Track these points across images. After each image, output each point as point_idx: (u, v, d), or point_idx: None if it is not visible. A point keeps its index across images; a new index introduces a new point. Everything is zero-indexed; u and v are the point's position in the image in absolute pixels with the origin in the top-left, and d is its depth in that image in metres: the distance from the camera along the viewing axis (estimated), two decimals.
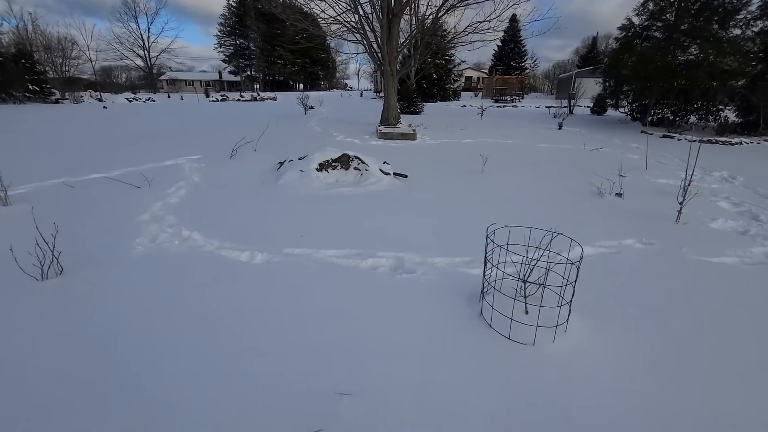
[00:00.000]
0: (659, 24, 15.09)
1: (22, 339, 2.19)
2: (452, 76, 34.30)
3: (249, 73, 51.83)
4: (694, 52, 14.01)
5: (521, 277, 2.36)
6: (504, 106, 28.21)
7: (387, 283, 2.90)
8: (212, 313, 2.47)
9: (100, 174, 5.96)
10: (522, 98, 35.20)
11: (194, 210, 4.46)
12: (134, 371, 1.96)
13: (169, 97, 37.67)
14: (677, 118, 15.12)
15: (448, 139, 10.84)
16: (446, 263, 3.21)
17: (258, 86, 53.59)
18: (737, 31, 13.62)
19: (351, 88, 68.60)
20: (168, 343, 2.17)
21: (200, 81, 55.01)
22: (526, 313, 2.39)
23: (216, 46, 50.12)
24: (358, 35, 12.09)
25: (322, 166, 6.17)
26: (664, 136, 12.84)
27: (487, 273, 2.48)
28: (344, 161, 6.28)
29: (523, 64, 44.93)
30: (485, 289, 2.53)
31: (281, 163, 6.88)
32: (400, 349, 2.16)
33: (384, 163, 6.49)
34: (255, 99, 32.35)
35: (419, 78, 28.25)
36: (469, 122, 15.25)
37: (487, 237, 2.42)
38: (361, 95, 42.41)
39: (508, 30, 43.05)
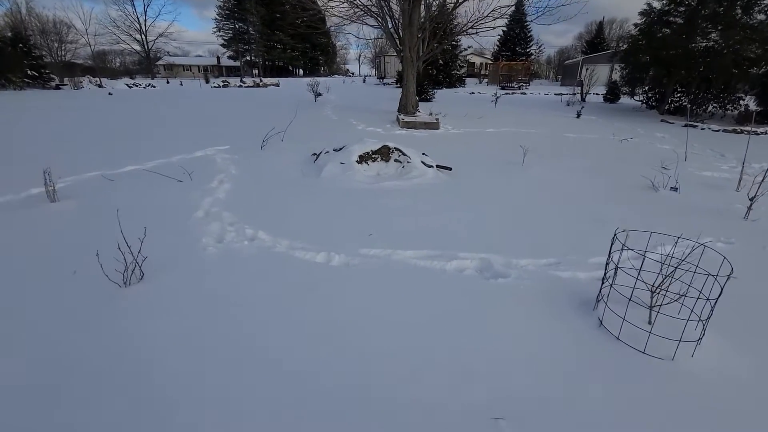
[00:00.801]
0: (681, 9, 14.77)
1: (138, 351, 2.04)
2: (458, 62, 33.72)
3: (248, 58, 50.71)
4: (716, 39, 13.71)
5: (649, 284, 2.23)
6: (513, 93, 27.83)
7: (481, 288, 2.77)
8: (330, 322, 2.33)
9: (134, 166, 5.75)
10: (528, 85, 34.73)
11: (246, 206, 4.28)
12: (280, 400, 1.81)
13: (168, 82, 36.87)
14: (695, 107, 14.92)
15: (471, 129, 10.63)
16: (534, 265, 3.07)
17: (257, 72, 52.64)
18: (761, 17, 13.38)
19: (353, 74, 67.50)
20: (297, 355, 2.04)
21: (198, 66, 53.86)
22: (649, 323, 2.27)
23: (214, 29, 48.93)
24: (378, 19, 11.72)
25: (362, 158, 5.98)
26: (686, 125, 12.62)
27: (601, 280, 2.35)
28: (384, 153, 6.09)
29: (528, 50, 44.22)
30: (602, 297, 2.40)
31: (316, 155, 6.69)
32: (528, 366, 2.03)
33: (423, 154, 6.31)
34: (257, 85, 31.75)
35: (427, 64, 27.73)
36: (485, 110, 14.98)
37: (615, 241, 2.28)
38: (364, 81, 41.71)
39: (513, 14, 42.22)
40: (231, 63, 52.59)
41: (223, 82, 31.87)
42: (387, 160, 6.06)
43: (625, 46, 17.59)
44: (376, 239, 3.47)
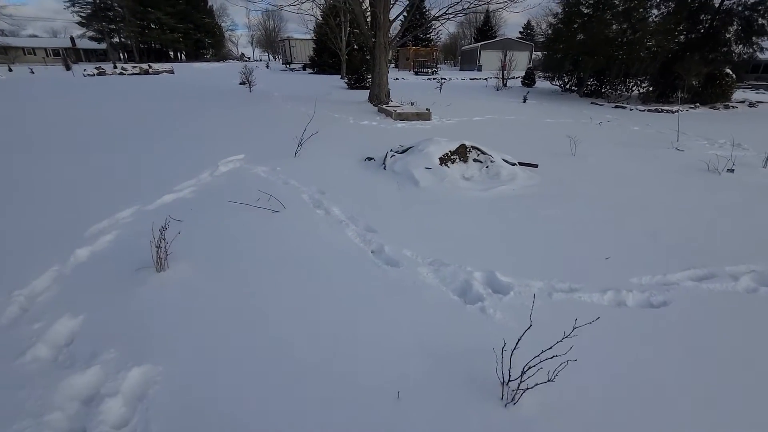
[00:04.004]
0: (591, 2, 16.63)
1: None
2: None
3: (118, 39, 42.21)
4: (629, 31, 15.72)
5: None
6: (430, 79, 28.51)
7: None
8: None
9: (171, 194, 4.12)
10: (439, 70, 36.07)
11: (398, 232, 3.32)
12: None
13: (10, 70, 28.91)
14: (609, 89, 17.12)
15: (459, 118, 10.41)
16: None
17: (127, 56, 44.51)
18: (655, 11, 15.83)
19: (248, 59, 61.64)
20: None
21: (45, 49, 43.19)
22: None
23: (67, 4, 39.13)
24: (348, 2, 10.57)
25: (442, 161, 5.28)
26: (616, 107, 14.38)
27: None
28: (462, 153, 5.47)
29: (429, 36, 45.80)
30: None
31: (369, 159, 5.73)
32: None
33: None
34: (146, 72, 26.90)
35: (350, 49, 26.72)
36: (436, 97, 14.85)
37: None
38: (268, 67, 38.50)
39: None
40: (92, 45, 43.29)
41: (98, 69, 26.11)
42: (465, 161, 5.46)
43: (549, 33, 19.15)
44: (642, 266, 2.94)
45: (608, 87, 17.20)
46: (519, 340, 1.72)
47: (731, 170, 5.67)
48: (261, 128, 8.06)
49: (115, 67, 28.44)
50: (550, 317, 2.24)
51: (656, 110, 13.56)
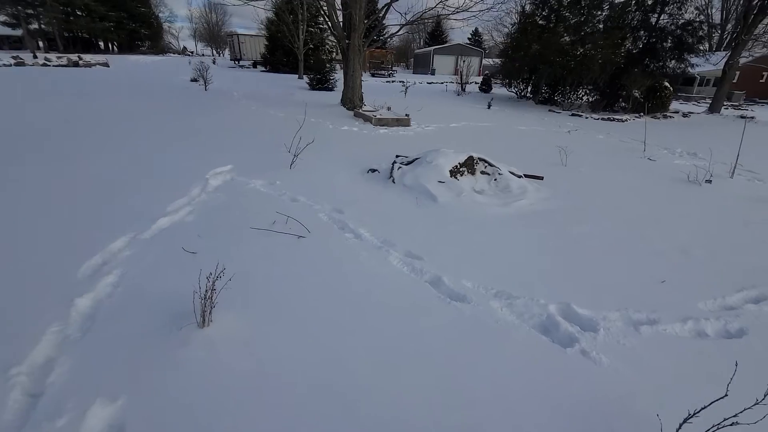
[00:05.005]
0: (544, 13, 17.50)
1: None
2: (326, 46, 32.51)
3: (38, 26, 37.23)
4: (579, 44, 16.69)
5: None
6: (389, 81, 28.49)
7: None
8: None
9: (166, 218, 3.49)
10: (395, 73, 36.20)
11: (453, 260, 3.06)
12: None
13: None
14: (561, 98, 18.10)
15: (437, 125, 10.33)
16: None
17: (45, 45, 39.68)
18: (602, 26, 16.97)
19: (192, 52, 57.43)
20: None
21: None
22: None
23: None
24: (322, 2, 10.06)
25: (452, 173, 5.09)
26: (573, 115, 15.19)
27: None
28: (469, 165, 5.33)
29: (382, 38, 45.78)
30: None
31: (373, 170, 5.41)
32: None
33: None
34: (76, 64, 24.14)
35: (308, 48, 25.92)
36: (403, 101, 14.74)
37: None
38: (214, 62, 36.27)
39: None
40: (5, 31, 37.87)
41: (14, 59, 22.93)
42: (473, 173, 5.32)
43: (507, 41, 19.81)
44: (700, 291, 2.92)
45: (560, 95, 18.17)
46: (697, 412, 1.53)
47: (709, 181, 6.08)
48: (238, 134, 7.38)
49: (36, 56, 25.20)
50: (661, 360, 2.11)
51: (608, 119, 14.49)
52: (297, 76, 25.16)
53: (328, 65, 18.28)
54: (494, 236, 3.64)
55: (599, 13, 16.78)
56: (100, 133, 6.66)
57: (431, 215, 4.11)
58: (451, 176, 5.04)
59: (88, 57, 25.97)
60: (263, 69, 31.78)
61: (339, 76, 19.60)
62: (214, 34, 60.46)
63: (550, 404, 1.80)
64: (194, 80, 16.50)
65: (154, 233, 3.23)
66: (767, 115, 18.24)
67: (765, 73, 33.71)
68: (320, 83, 18.06)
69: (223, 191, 4.34)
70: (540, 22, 17.66)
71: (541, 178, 5.52)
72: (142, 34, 47.65)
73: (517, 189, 5.08)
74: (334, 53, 33.35)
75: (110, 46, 46.55)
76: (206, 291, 1.96)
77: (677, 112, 17.13)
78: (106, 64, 25.28)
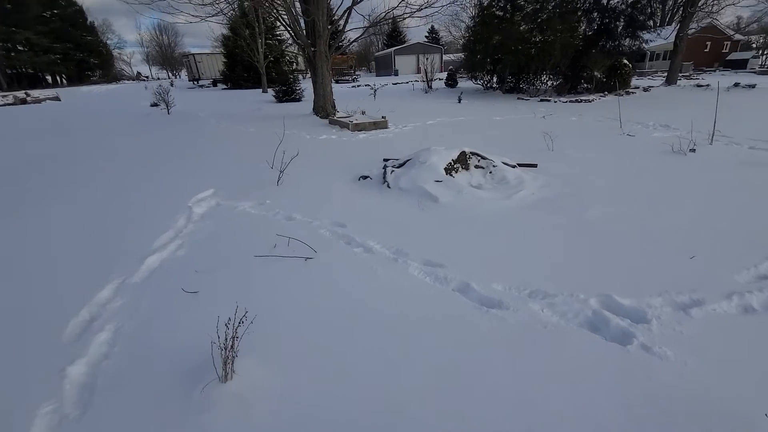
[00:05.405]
0: (501, 4, 17.74)
1: None
2: (287, 57, 32.05)
3: None
4: (536, 31, 17.00)
5: None
6: (354, 86, 28.31)
7: None
8: None
9: (154, 255, 3.14)
10: (359, 77, 36.08)
11: (476, 263, 2.86)
12: None
13: None
14: (525, 85, 18.40)
15: (414, 124, 10.21)
16: None
17: None
18: (558, 11, 17.33)
19: (147, 77, 55.31)
20: None
21: None
22: None
23: None
24: (281, 10, 9.75)
25: (447, 171, 4.93)
26: (541, 100, 15.42)
27: None
28: (462, 160, 5.18)
29: (341, 43, 45.54)
30: None
31: (364, 177, 5.18)
32: None
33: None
34: (24, 101, 22.77)
35: (268, 61, 25.42)
36: (374, 104, 14.64)
37: None
38: (172, 85, 35.08)
39: None
40: None
41: None
42: (467, 168, 5.18)
43: (467, 35, 19.97)
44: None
45: (525, 83, 18.46)
46: None
47: (693, 150, 6.17)
48: (214, 155, 6.99)
49: None
50: (725, 345, 1.98)
51: (576, 101, 14.78)
52: (261, 90, 24.60)
53: (291, 76, 17.95)
54: (508, 232, 3.48)
55: None
56: (64, 174, 6.14)
57: (436, 217, 3.92)
58: (446, 174, 4.87)
59: (36, 92, 24.51)
60: (224, 87, 31.00)
61: (305, 86, 19.36)
62: (168, 56, 58.68)
63: (634, 414, 1.63)
64: (155, 105, 15.85)
65: (145, 275, 2.90)
66: (719, 82, 19.09)
67: (708, 43, 35.61)
68: (287, 95, 17.68)
69: (211, 218, 4.02)
70: (498, 13, 17.89)
71: (535, 166, 5.44)
72: (91, 63, 45.58)
73: (514, 180, 4.96)
74: (295, 64, 32.97)
75: (59, 79, 44.33)
76: (228, 339, 1.68)
77: (638, 88, 17.70)
78: (57, 98, 23.97)
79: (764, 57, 43.83)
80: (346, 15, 11.11)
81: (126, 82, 47.16)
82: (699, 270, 2.72)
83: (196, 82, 34.65)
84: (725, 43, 36.22)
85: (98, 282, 2.76)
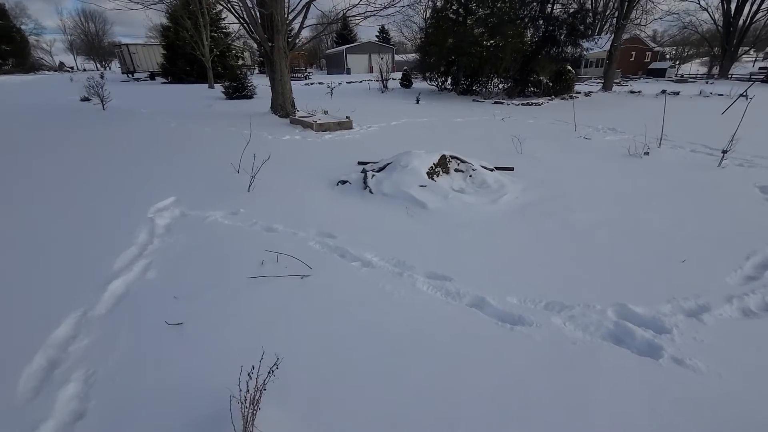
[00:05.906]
0: (454, 7, 18.10)
1: None
2: (233, 51, 30.49)
3: None
4: (487, 35, 17.55)
5: None
6: (308, 84, 27.59)
7: None
8: None
9: (119, 279, 2.67)
10: (311, 74, 35.27)
11: (485, 275, 2.75)
12: None
13: None
14: (478, 87, 18.97)
15: (379, 124, 10.05)
16: None
17: None
18: (506, 17, 18.02)
19: (71, 68, 49.55)
20: None
21: None
22: None
23: None
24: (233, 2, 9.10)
25: (429, 175, 4.82)
26: (495, 103, 15.93)
27: None
28: (443, 164, 5.11)
29: (290, 40, 44.25)
30: None
31: (343, 182, 4.93)
32: None
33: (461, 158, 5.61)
34: None
35: (214, 55, 23.98)
36: (332, 103, 14.26)
37: None
38: (102, 77, 31.98)
39: None
40: None
41: None
42: (447, 172, 5.12)
43: (421, 37, 20.13)
44: None
45: (479, 85, 19.02)
46: None
47: (647, 153, 6.59)
48: (169, 157, 6.32)
49: None
50: (747, 353, 2.02)
51: (528, 104, 15.45)
52: (207, 85, 23.16)
53: (241, 71, 17.05)
54: (504, 239, 3.43)
55: (502, 5, 17.79)
56: None
57: (427, 224, 3.79)
58: (429, 178, 4.76)
59: None
60: (164, 81, 28.82)
61: (257, 82, 18.46)
62: (96, 46, 53.35)
63: None
64: (86, 99, 14.26)
65: (110, 304, 2.45)
66: (647, 89, 20.95)
67: (633, 53, 39.08)
68: (237, 91, 16.73)
69: (179, 231, 3.56)
70: (451, 16, 18.24)
71: (512, 169, 5.50)
72: (2, 50, 40.30)
73: (494, 183, 4.97)
74: (241, 59, 31.44)
75: None
76: (250, 393, 1.40)
77: (580, 93, 18.90)
78: None
79: (677, 67, 49.06)
80: (304, 11, 10.66)
81: (46, 72, 42.15)
82: (693, 274, 2.82)
83: (130, 75, 31.90)
84: (647, 53, 40.02)
85: (52, 316, 2.29)
